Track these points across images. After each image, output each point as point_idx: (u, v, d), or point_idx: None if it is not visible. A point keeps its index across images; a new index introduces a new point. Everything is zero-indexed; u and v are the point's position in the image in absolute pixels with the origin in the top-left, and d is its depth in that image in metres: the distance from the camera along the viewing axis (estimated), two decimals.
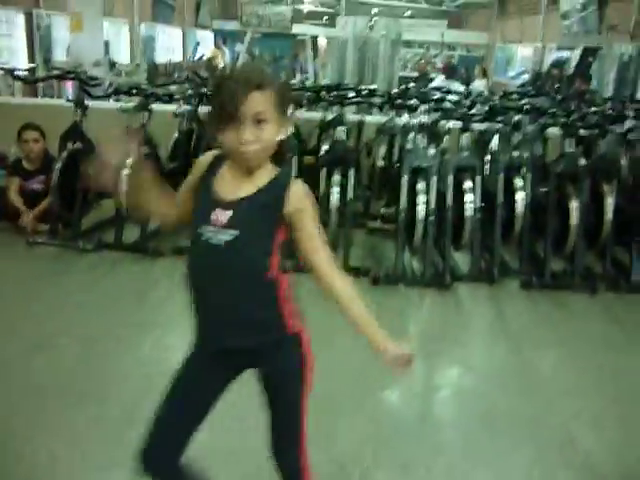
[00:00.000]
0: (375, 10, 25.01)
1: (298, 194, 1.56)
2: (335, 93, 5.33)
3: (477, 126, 5.11)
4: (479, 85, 11.64)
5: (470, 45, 20.86)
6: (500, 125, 4.84)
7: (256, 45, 17.33)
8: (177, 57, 18.38)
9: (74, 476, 2.32)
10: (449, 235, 4.37)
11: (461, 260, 4.64)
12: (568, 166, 4.46)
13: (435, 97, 5.11)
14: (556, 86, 11.46)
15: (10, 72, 5.58)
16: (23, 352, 3.11)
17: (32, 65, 10.73)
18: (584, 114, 4.85)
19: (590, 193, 4.44)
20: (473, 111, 4.91)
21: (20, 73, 5.93)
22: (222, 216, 1.53)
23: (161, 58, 16.72)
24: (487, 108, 4.86)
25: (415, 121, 4.65)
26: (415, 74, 16.56)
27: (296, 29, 20.00)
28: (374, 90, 5.70)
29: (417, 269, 4.53)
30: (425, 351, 3.38)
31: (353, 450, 2.53)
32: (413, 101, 4.92)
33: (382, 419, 2.80)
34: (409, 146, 4.58)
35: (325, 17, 27.31)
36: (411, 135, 4.68)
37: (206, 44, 19.87)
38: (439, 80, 12.29)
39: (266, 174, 1.57)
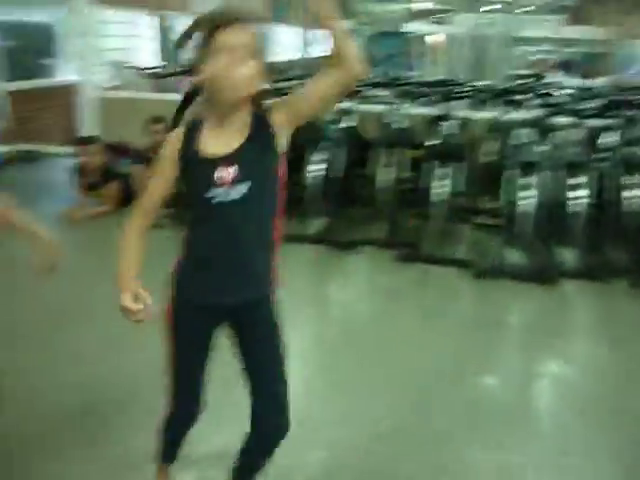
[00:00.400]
0: (492, 7, 24.50)
1: (275, 109, 1.57)
2: (441, 89, 5.40)
3: (592, 122, 5.02)
4: (602, 82, 11.20)
5: (592, 41, 19.96)
6: (613, 120, 4.73)
7: (370, 43, 17.48)
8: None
9: None
10: (557, 231, 4.35)
11: (568, 257, 4.59)
12: None
13: (542, 92, 5.05)
14: None
15: (143, 70, 6.07)
16: None
17: (162, 63, 11.45)
18: None
19: None
20: (586, 106, 4.81)
21: (152, 71, 6.43)
22: (227, 173, 1.52)
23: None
24: (602, 104, 4.76)
25: (522, 116, 4.63)
26: (532, 72, 16.15)
27: (409, 27, 20.04)
28: (483, 86, 5.73)
29: (522, 264, 4.52)
30: (525, 342, 3.43)
31: (446, 427, 2.64)
32: (520, 96, 4.90)
33: (478, 402, 2.89)
34: (517, 141, 4.59)
35: (439, 14, 27.08)
36: (519, 130, 4.69)
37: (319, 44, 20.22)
38: (556, 76, 11.94)
39: (248, 118, 1.56)
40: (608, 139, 4.77)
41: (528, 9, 23.62)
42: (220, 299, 1.66)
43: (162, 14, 12.63)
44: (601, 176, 4.56)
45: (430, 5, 26.41)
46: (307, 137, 4.72)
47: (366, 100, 5.38)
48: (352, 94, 5.36)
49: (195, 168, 1.56)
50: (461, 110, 5.50)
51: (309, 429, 2.44)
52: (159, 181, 1.62)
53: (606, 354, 3.46)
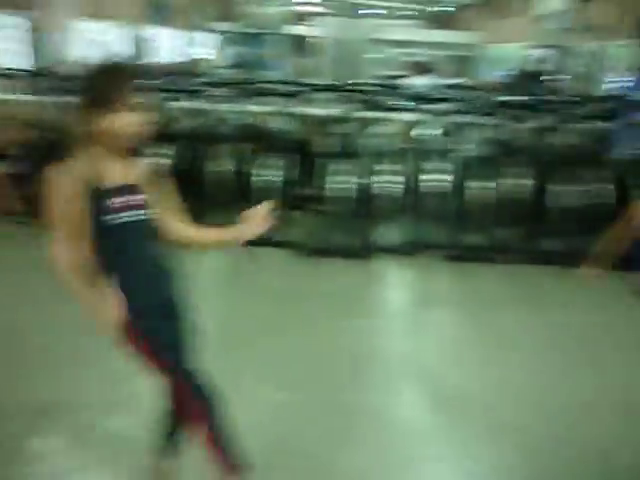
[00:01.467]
0: (366, 11, 25.55)
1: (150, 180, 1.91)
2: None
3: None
4: (454, 81, 12.18)
5: (458, 45, 21.34)
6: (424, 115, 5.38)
7: (246, 44, 17.87)
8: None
9: None
10: (376, 212, 4.91)
11: (386, 235, 5.17)
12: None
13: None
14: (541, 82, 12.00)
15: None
16: None
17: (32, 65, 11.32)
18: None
19: None
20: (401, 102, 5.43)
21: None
22: (129, 199, 1.82)
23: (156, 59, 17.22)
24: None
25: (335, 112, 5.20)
26: (401, 73, 17.11)
27: (287, 29, 20.59)
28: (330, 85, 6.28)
29: (345, 243, 5.05)
30: (338, 307, 3.97)
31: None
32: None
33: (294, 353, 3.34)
34: (340, 133, 5.14)
35: (318, 17, 27.87)
36: (343, 124, 5.25)
37: (202, 45, 20.44)
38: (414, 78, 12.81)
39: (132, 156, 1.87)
40: (418, 131, 5.41)
41: (406, 13, 24.88)
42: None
43: (33, 15, 12.44)
44: (415, 162, 5.18)
45: (312, 8, 27.14)
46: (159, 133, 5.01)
47: (210, 99, 5.73)
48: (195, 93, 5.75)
49: (98, 197, 1.77)
50: (297, 107, 6.00)
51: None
52: (65, 207, 1.76)
53: (410, 312, 4.14)
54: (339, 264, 4.77)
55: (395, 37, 18.25)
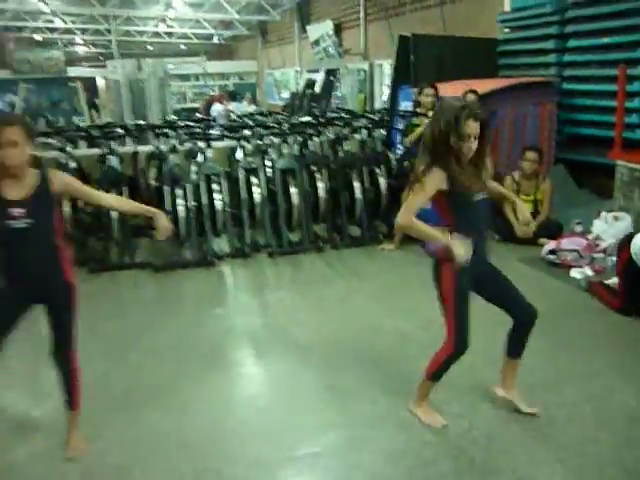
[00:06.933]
0: (151, 47, 26.15)
1: (57, 176, 2.67)
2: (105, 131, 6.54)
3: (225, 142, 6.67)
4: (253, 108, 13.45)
5: (242, 73, 22.81)
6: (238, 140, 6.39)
7: (32, 92, 17.55)
8: None
9: None
10: (209, 227, 5.78)
11: (222, 244, 6.08)
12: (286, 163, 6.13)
13: (181, 124, 6.53)
14: (312, 103, 13.64)
15: None
16: None
17: None
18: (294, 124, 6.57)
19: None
20: (212, 131, 6.39)
21: None
22: (18, 211, 2.53)
23: None
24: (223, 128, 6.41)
25: (168, 146, 6.03)
26: (195, 105, 18.11)
27: (72, 72, 20.48)
28: (140, 124, 7.01)
29: (189, 255, 5.85)
30: (195, 310, 4.78)
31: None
32: (166, 130, 6.30)
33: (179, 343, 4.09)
34: (170, 164, 5.96)
35: (100, 58, 27.87)
36: (171, 156, 6.08)
37: None
38: (217, 107, 13.88)
39: (31, 176, 2.58)
40: (238, 154, 6.41)
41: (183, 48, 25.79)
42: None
43: None
44: (236, 181, 6.14)
45: (92, 49, 27.00)
46: None
47: (44, 147, 6.20)
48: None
49: None
50: (124, 146, 6.70)
51: None
52: None
53: (253, 297, 5.03)
54: (185, 274, 5.56)
55: (186, 72, 19.18)
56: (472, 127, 2.60)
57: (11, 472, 2.77)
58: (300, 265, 5.77)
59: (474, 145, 2.64)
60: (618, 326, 4.19)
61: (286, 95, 18.96)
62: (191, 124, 6.94)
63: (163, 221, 2.86)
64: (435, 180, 2.64)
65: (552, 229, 5.82)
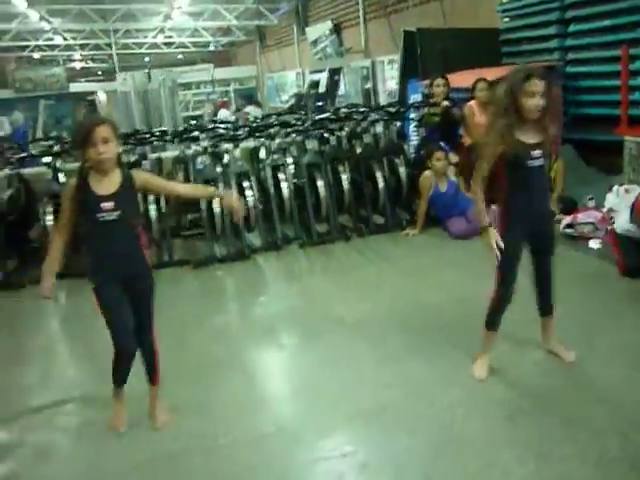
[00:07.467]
0: (147, 59, 26.44)
1: (138, 174, 3.03)
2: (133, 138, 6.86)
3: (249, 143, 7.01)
4: (252, 111, 13.75)
5: (243, 79, 23.09)
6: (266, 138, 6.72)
7: (43, 109, 17.90)
8: None
9: None
10: (242, 223, 6.09)
11: (254, 239, 6.40)
12: (312, 159, 6.44)
13: (209, 127, 6.86)
14: (316, 104, 13.94)
15: None
16: None
17: None
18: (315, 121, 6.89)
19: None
20: (238, 133, 6.70)
21: None
22: (108, 205, 2.82)
23: None
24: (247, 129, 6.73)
25: (199, 147, 6.34)
26: (198, 112, 18.42)
27: (74, 87, 20.81)
28: (164, 131, 7.34)
29: (225, 251, 6.17)
30: (239, 299, 5.09)
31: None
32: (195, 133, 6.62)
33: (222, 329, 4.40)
34: (199, 167, 6.26)
35: (98, 73, 28.21)
36: (199, 158, 6.39)
37: None
38: (224, 113, 14.21)
39: (118, 173, 2.89)
40: (261, 154, 6.73)
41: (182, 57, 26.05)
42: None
43: None
44: (258, 178, 6.47)
45: (91, 64, 27.30)
46: None
47: None
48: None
49: (87, 201, 2.81)
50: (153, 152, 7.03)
51: None
52: (66, 205, 2.85)
53: (290, 284, 5.35)
54: (222, 268, 5.88)
55: (197, 79, 19.58)
56: (538, 85, 2.89)
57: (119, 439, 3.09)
58: (331, 254, 6.07)
59: (541, 102, 2.93)
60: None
61: (286, 97, 19.27)
62: (221, 126, 7.25)
63: (234, 201, 3.18)
64: (491, 149, 3.01)
65: (567, 205, 6.13)
